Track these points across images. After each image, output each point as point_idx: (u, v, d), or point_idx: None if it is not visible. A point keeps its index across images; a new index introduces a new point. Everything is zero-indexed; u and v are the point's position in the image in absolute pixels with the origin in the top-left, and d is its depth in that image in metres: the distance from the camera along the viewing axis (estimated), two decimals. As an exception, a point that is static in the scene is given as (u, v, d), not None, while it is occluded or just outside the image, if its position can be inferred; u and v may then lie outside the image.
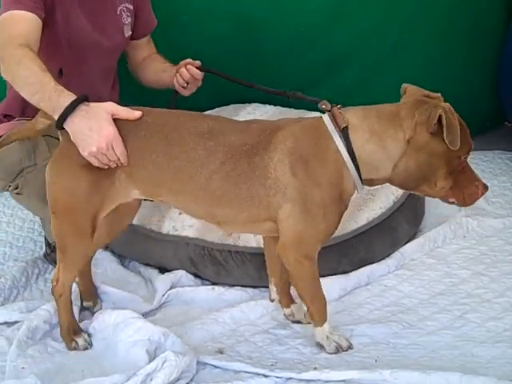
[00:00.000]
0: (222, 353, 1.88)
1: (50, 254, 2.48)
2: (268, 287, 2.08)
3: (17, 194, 2.21)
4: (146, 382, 1.69)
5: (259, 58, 3.09)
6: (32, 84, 1.81)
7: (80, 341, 1.91)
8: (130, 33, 2.42)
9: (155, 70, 2.49)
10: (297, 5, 3.04)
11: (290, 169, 1.68)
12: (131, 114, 1.77)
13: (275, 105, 3.10)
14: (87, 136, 1.71)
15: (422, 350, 1.83)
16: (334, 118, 1.71)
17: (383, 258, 2.28)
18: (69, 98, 1.74)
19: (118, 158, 1.73)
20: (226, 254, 2.19)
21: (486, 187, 1.71)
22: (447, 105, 1.66)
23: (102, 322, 1.97)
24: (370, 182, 1.75)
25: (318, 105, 1.80)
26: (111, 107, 1.76)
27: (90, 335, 1.95)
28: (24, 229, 2.83)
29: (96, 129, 1.71)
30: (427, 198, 2.62)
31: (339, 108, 1.74)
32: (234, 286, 2.18)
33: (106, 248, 2.50)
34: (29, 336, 1.93)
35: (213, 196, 1.74)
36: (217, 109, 3.07)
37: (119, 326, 1.91)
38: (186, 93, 2.36)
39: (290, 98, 2.09)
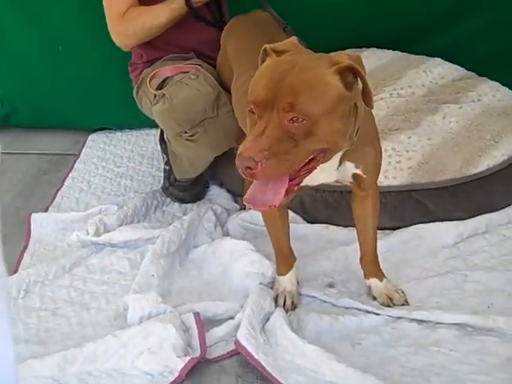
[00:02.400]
0: (332, 287, 1.92)
1: (169, 187, 2.58)
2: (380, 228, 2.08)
3: (187, 139, 2.21)
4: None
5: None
6: (157, 19, 2.21)
7: None
8: None
9: None
10: None
11: None
12: None
13: (394, 49, 3.03)
14: None
15: (540, 300, 1.78)
16: None
17: (503, 208, 2.19)
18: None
19: None
20: (338, 196, 2.19)
21: (240, 157, 1.30)
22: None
23: (221, 248, 2.07)
24: None
25: None
26: None
27: None
28: (143, 164, 2.97)
29: None
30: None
31: None
32: (347, 226, 2.17)
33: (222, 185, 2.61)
34: (163, 247, 2.09)
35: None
36: (332, 53, 3.04)
37: (234, 255, 2.00)
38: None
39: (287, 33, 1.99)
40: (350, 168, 1.63)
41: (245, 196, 1.41)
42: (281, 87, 1.32)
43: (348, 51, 3.03)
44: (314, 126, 1.33)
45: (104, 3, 2.27)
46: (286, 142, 1.32)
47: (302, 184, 1.65)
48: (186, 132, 2.18)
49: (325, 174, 1.61)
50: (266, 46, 1.42)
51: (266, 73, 1.38)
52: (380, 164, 1.74)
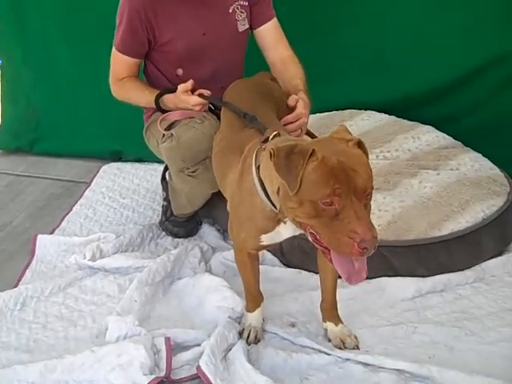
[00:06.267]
0: (293, 326, 2.13)
1: (165, 222, 2.83)
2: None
3: (188, 175, 2.46)
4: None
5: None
6: (139, 101, 2.56)
7: None
8: (247, 26, 2.56)
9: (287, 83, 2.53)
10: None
11: (237, 176, 1.90)
12: (183, 86, 2.35)
13: (390, 114, 3.26)
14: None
15: (477, 356, 1.94)
16: (257, 155, 1.81)
17: (462, 269, 2.36)
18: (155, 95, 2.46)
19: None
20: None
21: (369, 241, 1.50)
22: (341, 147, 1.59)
23: (199, 282, 2.30)
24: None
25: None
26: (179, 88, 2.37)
27: None
28: (146, 197, 3.23)
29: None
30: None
31: (268, 140, 1.82)
32: (317, 273, 2.36)
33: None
34: (149, 277, 2.32)
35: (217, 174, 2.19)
36: (334, 112, 3.29)
37: (210, 289, 2.22)
38: None
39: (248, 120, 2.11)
40: None
41: (347, 276, 1.60)
42: (350, 176, 1.52)
43: (348, 111, 3.29)
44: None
45: (111, 58, 2.55)
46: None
47: (270, 242, 1.91)
48: (188, 168, 2.43)
49: (288, 230, 1.85)
50: (313, 147, 1.57)
51: (327, 170, 1.53)
52: None
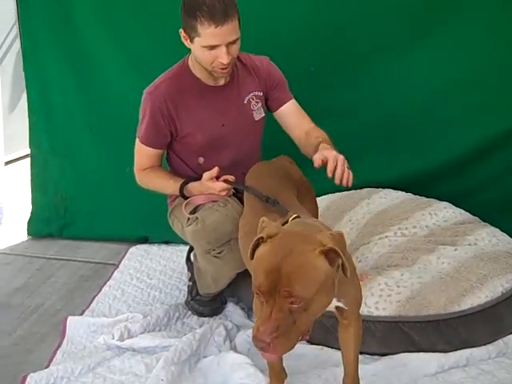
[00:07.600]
0: (316, 403, 2.15)
1: (190, 301, 2.91)
2: (370, 353, 2.34)
3: (214, 256, 2.56)
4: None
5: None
6: (164, 189, 2.71)
7: None
8: (263, 115, 2.71)
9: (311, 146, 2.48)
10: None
11: None
12: (209, 174, 2.51)
13: (407, 191, 3.35)
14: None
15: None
16: None
17: (484, 344, 2.38)
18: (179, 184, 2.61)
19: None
20: (334, 321, 2.41)
21: (259, 342, 1.57)
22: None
23: (224, 360, 2.35)
24: None
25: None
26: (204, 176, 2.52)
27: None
28: (173, 278, 3.32)
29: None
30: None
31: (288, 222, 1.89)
32: (339, 349, 2.40)
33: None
34: (175, 355, 2.38)
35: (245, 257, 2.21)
36: (353, 191, 3.39)
37: (234, 367, 2.27)
38: None
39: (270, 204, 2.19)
40: (333, 302, 1.85)
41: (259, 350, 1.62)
42: (279, 277, 1.57)
43: (365, 190, 3.38)
44: (308, 304, 1.61)
45: (135, 149, 2.71)
46: (288, 321, 1.59)
47: None
48: (214, 250, 2.53)
49: None
50: (262, 235, 1.68)
51: (265, 262, 1.61)
52: (360, 297, 2.00)
